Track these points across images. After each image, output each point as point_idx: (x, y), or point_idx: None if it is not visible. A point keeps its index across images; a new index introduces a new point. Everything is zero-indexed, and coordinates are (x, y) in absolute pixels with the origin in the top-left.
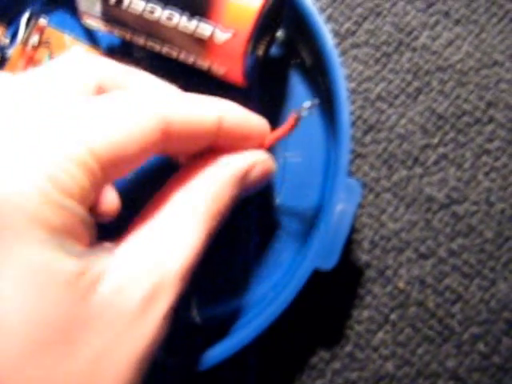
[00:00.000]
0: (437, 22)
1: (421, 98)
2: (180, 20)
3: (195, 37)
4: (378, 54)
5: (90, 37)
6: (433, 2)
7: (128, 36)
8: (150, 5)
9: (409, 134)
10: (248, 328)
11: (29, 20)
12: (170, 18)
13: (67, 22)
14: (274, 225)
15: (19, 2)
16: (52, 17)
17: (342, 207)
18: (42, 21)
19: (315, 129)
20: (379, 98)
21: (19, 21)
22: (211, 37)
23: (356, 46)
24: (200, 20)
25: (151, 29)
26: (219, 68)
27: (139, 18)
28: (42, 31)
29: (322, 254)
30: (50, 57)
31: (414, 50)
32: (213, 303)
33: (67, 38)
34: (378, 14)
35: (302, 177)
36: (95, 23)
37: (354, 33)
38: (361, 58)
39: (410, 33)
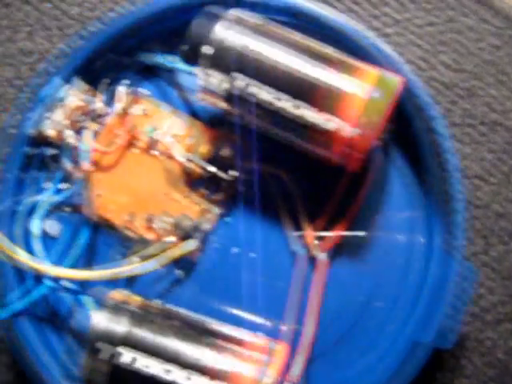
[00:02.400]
0: None
1: None
2: (308, 112)
3: (319, 129)
4: (474, 134)
5: (186, 106)
6: None
7: (247, 118)
8: (259, 91)
9: (505, 211)
10: None
11: (124, 88)
12: (296, 107)
13: (161, 90)
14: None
15: (112, 68)
16: (147, 84)
17: (458, 287)
18: (139, 90)
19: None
20: (476, 175)
21: (113, 87)
22: (337, 131)
23: (454, 124)
24: (329, 114)
25: (275, 116)
26: (336, 158)
27: (247, 100)
28: (137, 100)
29: (441, 333)
30: (154, 129)
31: (509, 129)
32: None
33: (148, 106)
34: (473, 95)
35: (402, 256)
36: (213, 101)
37: (451, 112)
38: (458, 137)
39: (503, 112)
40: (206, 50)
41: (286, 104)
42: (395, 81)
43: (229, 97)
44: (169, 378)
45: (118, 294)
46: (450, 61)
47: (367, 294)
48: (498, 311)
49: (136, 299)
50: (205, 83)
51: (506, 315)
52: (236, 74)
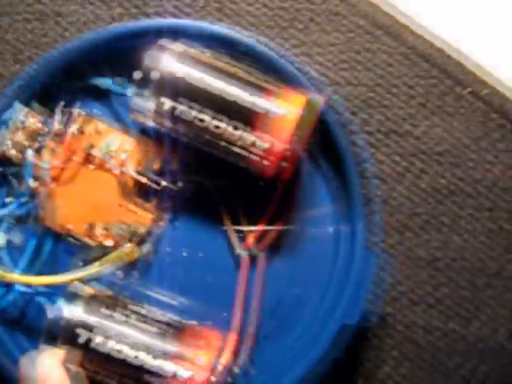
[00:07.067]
0: (417, 112)
1: (407, 175)
2: (226, 130)
3: (238, 143)
4: (372, 139)
5: (122, 124)
6: (413, 96)
7: (174, 133)
8: (201, 115)
9: (399, 205)
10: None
11: (78, 109)
12: (217, 127)
13: (111, 110)
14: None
15: (67, 92)
16: (84, 105)
17: (363, 271)
18: (77, 110)
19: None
20: (375, 176)
21: (68, 109)
22: (269, 147)
23: (353, 132)
24: (244, 132)
25: (198, 133)
26: (270, 169)
27: (189, 123)
28: (75, 119)
29: (350, 311)
30: (92, 147)
31: (401, 135)
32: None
33: (101, 125)
34: (370, 106)
35: (328, 251)
36: (144, 120)
37: (351, 121)
38: (358, 143)
39: (396, 121)
40: (153, 75)
41: (226, 126)
42: (317, 101)
43: (172, 119)
44: (137, 362)
45: (88, 289)
46: (349, 76)
47: (300, 284)
48: (397, 290)
49: (106, 293)
50: (135, 106)
51: (403, 294)
52: (180, 99)
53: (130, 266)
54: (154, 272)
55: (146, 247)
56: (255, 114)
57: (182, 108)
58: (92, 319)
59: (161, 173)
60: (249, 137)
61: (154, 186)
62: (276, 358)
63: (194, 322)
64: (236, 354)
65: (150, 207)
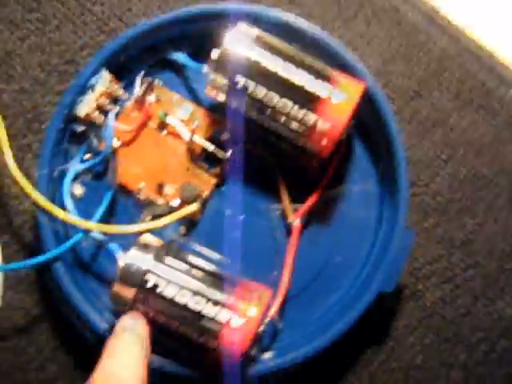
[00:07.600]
0: (463, 107)
1: (449, 164)
2: (292, 108)
3: (301, 122)
4: (420, 128)
5: (194, 96)
6: (461, 91)
7: (242, 110)
8: (271, 94)
9: (439, 189)
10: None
11: (143, 77)
12: (285, 105)
13: (174, 81)
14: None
15: (131, 61)
16: (161, 76)
17: (401, 245)
18: (156, 80)
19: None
20: (419, 161)
21: (132, 78)
22: (314, 124)
23: (404, 120)
24: (307, 111)
25: (266, 110)
26: (312, 146)
27: (259, 101)
28: (152, 89)
29: (387, 279)
30: (166, 114)
31: (447, 126)
32: (290, 311)
33: (175, 97)
34: (421, 97)
35: (358, 222)
36: (217, 95)
37: (403, 109)
38: (407, 130)
39: (443, 113)
40: (229, 56)
41: (276, 103)
42: (360, 87)
43: (243, 96)
44: (197, 307)
45: (157, 240)
46: (404, 68)
47: (330, 251)
48: (428, 269)
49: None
50: (212, 80)
51: (434, 273)
52: (237, 76)
53: (192, 225)
54: (213, 232)
55: (193, 207)
56: (303, 92)
57: (254, 87)
58: (160, 267)
59: (213, 141)
60: (312, 117)
61: (220, 154)
62: (304, 314)
63: (247, 278)
64: (270, 306)
65: (214, 173)
